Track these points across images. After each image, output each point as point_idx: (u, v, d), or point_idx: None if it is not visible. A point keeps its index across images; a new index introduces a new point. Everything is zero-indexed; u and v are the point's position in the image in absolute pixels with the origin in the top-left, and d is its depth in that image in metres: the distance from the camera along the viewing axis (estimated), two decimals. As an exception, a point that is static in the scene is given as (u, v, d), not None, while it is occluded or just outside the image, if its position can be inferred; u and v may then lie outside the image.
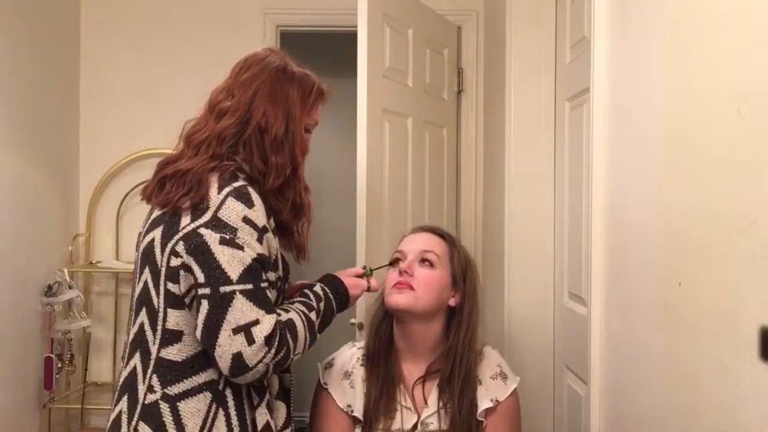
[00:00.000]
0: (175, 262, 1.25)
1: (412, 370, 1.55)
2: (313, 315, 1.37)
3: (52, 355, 2.61)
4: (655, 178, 1.32)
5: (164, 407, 1.25)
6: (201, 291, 1.22)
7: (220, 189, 1.26)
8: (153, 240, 1.30)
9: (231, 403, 1.28)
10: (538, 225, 2.28)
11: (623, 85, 1.52)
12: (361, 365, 1.56)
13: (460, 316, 1.54)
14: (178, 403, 1.25)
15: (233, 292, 1.21)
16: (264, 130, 1.33)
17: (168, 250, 1.26)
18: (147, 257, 1.31)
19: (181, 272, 1.25)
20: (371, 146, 2.22)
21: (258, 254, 1.25)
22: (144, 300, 1.30)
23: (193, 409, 1.25)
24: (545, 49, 2.27)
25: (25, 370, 2.54)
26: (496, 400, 1.53)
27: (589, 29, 1.71)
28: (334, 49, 3.39)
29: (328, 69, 4.09)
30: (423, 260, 1.54)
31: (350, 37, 2.26)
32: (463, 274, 1.56)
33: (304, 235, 1.44)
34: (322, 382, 1.57)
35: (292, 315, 1.32)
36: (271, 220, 1.33)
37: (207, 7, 3.00)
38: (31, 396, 2.59)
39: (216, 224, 1.23)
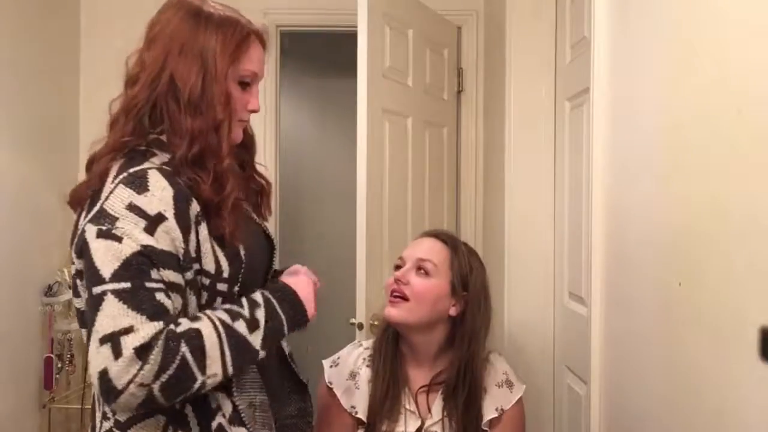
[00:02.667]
0: (73, 271, 1.09)
1: (416, 375, 1.53)
2: (240, 326, 1.08)
3: (52, 355, 2.61)
4: (655, 178, 1.32)
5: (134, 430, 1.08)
6: (85, 295, 1.04)
7: (116, 176, 1.07)
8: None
9: (194, 422, 1.10)
10: (538, 225, 2.28)
11: (623, 85, 1.52)
12: (367, 366, 1.53)
13: (463, 326, 1.50)
14: (132, 429, 1.08)
15: (104, 293, 0.99)
16: (176, 90, 1.11)
17: (72, 258, 1.10)
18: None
19: (78, 282, 1.08)
20: (371, 146, 2.22)
21: (143, 246, 1.00)
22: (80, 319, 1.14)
23: None
24: (545, 49, 2.27)
25: (25, 370, 2.53)
26: (501, 410, 1.50)
27: (589, 29, 1.71)
28: (334, 49, 3.39)
29: (328, 69, 4.15)
30: (419, 268, 1.49)
31: (350, 37, 2.26)
32: (464, 281, 1.50)
33: (230, 216, 1.12)
34: (326, 381, 1.54)
35: (200, 324, 1.04)
36: (193, 207, 1.08)
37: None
38: (31, 396, 2.59)
39: (98, 216, 1.03)
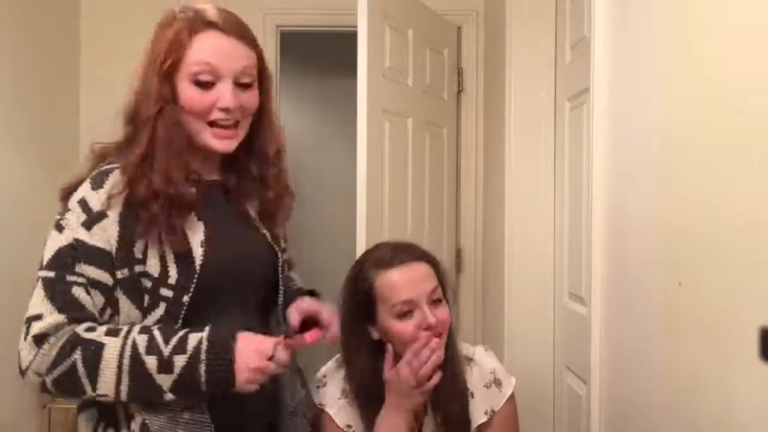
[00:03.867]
0: None
1: None
2: (150, 361, 1.02)
3: (52, 355, 2.61)
4: (655, 178, 1.32)
5: (79, 418, 1.15)
6: None
7: (91, 172, 1.12)
8: None
9: (123, 422, 1.08)
10: (538, 225, 2.28)
11: (623, 85, 1.52)
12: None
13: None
14: (78, 416, 1.14)
15: (38, 279, 1.06)
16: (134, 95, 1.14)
17: None
18: None
19: None
20: (371, 146, 2.22)
21: (75, 240, 1.05)
22: None
23: (83, 426, 1.13)
24: (545, 49, 2.27)
25: (25, 370, 2.54)
26: (492, 411, 1.42)
27: (589, 29, 1.71)
28: (334, 49, 3.39)
29: (328, 69, 4.15)
30: (432, 301, 1.36)
31: (350, 37, 2.26)
32: (448, 283, 1.44)
33: (153, 216, 1.07)
34: (317, 403, 1.42)
35: (109, 341, 1.03)
36: (153, 207, 1.07)
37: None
38: (31, 396, 2.59)
39: (63, 207, 1.10)
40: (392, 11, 2.39)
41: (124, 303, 1.07)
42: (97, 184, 1.08)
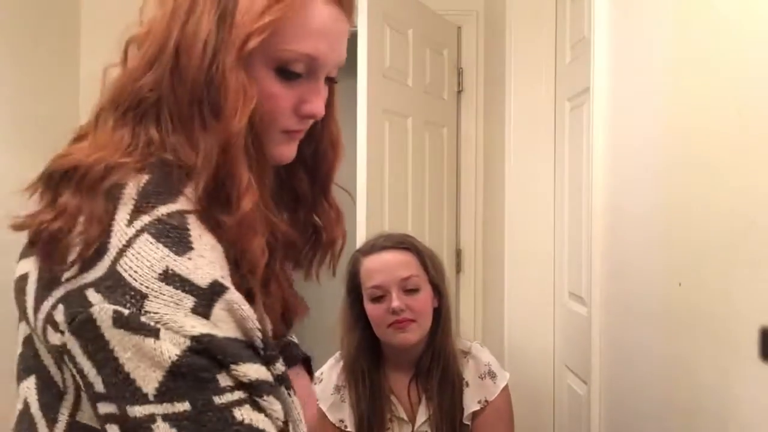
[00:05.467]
0: (54, 338, 0.65)
1: (401, 380, 1.51)
2: None
3: (52, 355, 2.60)
4: (655, 178, 1.32)
5: None
6: (102, 408, 0.64)
7: (133, 217, 0.64)
8: (26, 277, 0.72)
9: None
10: (538, 225, 2.28)
11: (623, 85, 1.52)
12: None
13: (439, 314, 1.49)
14: None
15: (151, 419, 0.61)
16: (179, 68, 0.68)
17: (43, 313, 0.66)
18: (19, 300, 0.72)
19: (66, 359, 0.65)
20: (371, 146, 2.22)
21: (195, 339, 0.61)
22: (33, 366, 0.72)
23: None
24: (545, 49, 2.27)
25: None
26: (485, 401, 1.48)
27: (589, 29, 1.71)
28: (334, 49, 3.38)
29: (328, 69, 4.14)
30: (406, 288, 1.44)
31: (350, 37, 2.25)
32: (437, 274, 1.50)
33: (255, 272, 0.68)
34: None
35: None
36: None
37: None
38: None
39: (112, 285, 0.62)
40: (392, 11, 2.39)
41: (296, 405, 0.69)
42: (178, 243, 0.63)
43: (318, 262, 0.86)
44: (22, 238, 0.79)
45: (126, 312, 0.61)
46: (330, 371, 1.54)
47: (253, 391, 0.63)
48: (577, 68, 2.00)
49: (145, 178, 0.66)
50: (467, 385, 1.49)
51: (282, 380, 0.67)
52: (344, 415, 1.49)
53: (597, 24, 1.63)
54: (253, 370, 0.63)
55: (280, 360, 0.67)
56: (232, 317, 0.64)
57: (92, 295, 0.62)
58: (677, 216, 1.21)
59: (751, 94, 0.96)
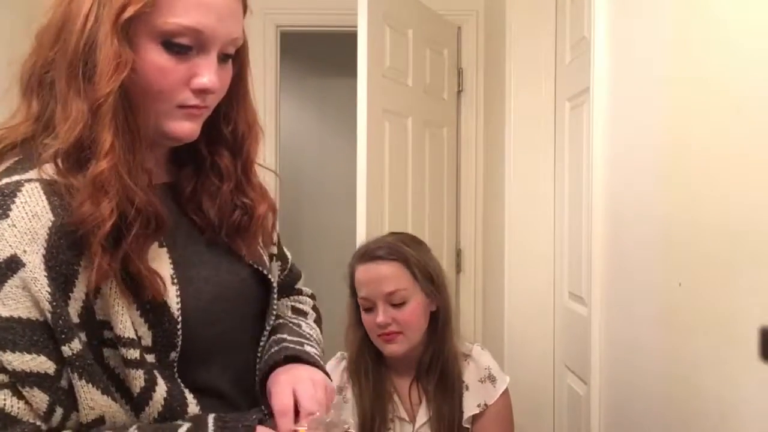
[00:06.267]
0: None
1: (402, 380, 1.52)
2: None
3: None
4: (654, 177, 1.32)
5: None
6: None
7: None
8: None
9: None
10: (538, 225, 2.28)
11: (623, 85, 1.52)
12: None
13: (436, 318, 1.49)
14: None
15: None
16: (63, 40, 0.72)
17: None
18: None
19: None
20: (371, 146, 2.22)
21: None
22: None
23: None
24: (545, 49, 2.27)
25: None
26: (485, 405, 1.48)
27: (589, 29, 1.71)
28: (334, 49, 3.39)
29: (328, 69, 4.15)
30: (392, 303, 1.43)
31: (350, 37, 2.26)
32: (431, 281, 1.48)
33: (105, 253, 0.69)
34: None
35: None
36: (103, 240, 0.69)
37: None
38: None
39: None
40: (392, 11, 2.39)
41: (84, 391, 0.70)
42: None
43: (252, 236, 0.88)
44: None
45: None
46: (332, 372, 1.52)
47: (17, 379, 0.66)
48: (577, 68, 2.00)
49: (14, 158, 0.73)
50: (467, 388, 1.49)
51: (73, 362, 0.68)
52: (346, 415, 1.48)
53: (597, 24, 1.63)
54: (20, 361, 0.66)
55: (76, 340, 0.68)
56: (26, 294, 0.66)
57: None
58: (677, 216, 1.21)
59: (751, 93, 0.96)
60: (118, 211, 0.70)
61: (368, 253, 1.48)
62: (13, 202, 0.67)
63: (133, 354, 0.72)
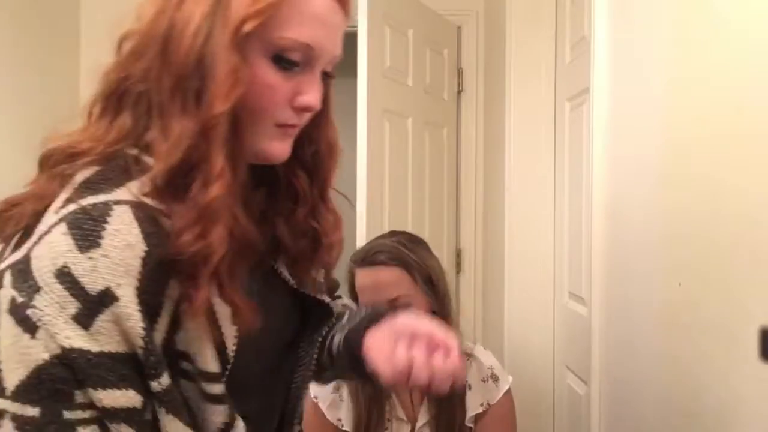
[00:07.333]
0: None
1: None
2: None
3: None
4: (654, 177, 1.32)
5: None
6: None
7: (64, 204, 0.64)
8: None
9: None
10: (538, 225, 2.28)
11: (623, 85, 1.52)
12: None
13: (438, 313, 1.47)
14: None
15: (2, 413, 0.61)
16: (168, 57, 0.67)
17: None
18: None
19: None
20: (371, 146, 2.22)
21: (65, 350, 0.60)
22: None
23: None
24: (545, 49, 2.27)
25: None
26: (488, 404, 1.49)
27: (589, 29, 1.71)
28: (334, 49, 3.38)
29: (328, 69, 4.14)
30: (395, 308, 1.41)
31: (350, 37, 2.25)
32: (431, 281, 1.47)
33: (209, 285, 0.65)
34: (311, 395, 1.51)
35: None
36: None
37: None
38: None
39: (22, 270, 0.62)
40: (392, 11, 2.39)
41: (170, 425, 0.67)
42: (87, 239, 0.61)
43: (315, 266, 0.84)
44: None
45: (19, 300, 0.60)
46: None
47: (106, 416, 0.62)
48: (577, 68, 2.00)
49: (95, 168, 0.66)
50: (470, 387, 1.50)
51: (161, 397, 0.65)
52: (342, 413, 1.49)
53: (597, 24, 1.63)
54: (111, 398, 0.62)
55: (165, 374, 0.65)
56: (117, 330, 0.62)
57: (6, 277, 0.62)
58: (677, 216, 1.21)
59: (751, 93, 0.96)
60: (228, 239, 0.66)
61: (368, 258, 1.45)
62: (104, 229, 0.61)
63: (217, 389, 0.68)
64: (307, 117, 0.75)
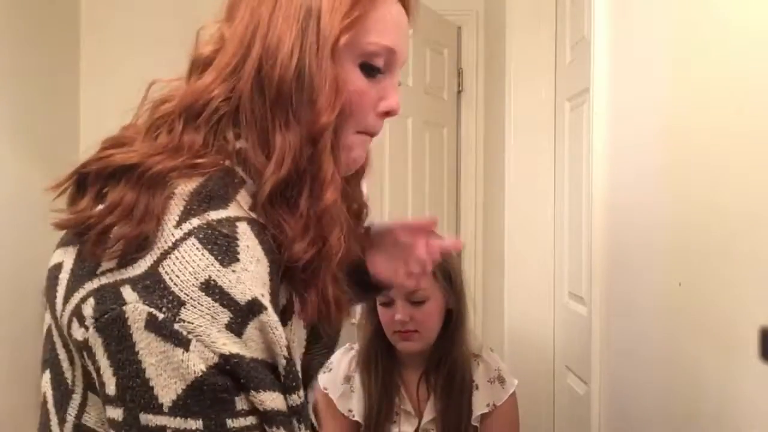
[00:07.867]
0: (77, 332, 0.62)
1: (411, 374, 1.53)
2: None
3: (52, 356, 2.59)
4: (655, 177, 1.32)
5: None
6: (110, 411, 0.62)
7: (183, 218, 0.63)
8: (60, 266, 0.68)
9: None
10: (538, 225, 2.28)
11: (623, 85, 1.52)
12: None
13: (450, 317, 1.50)
14: None
15: (161, 430, 0.60)
16: (261, 76, 0.69)
17: (71, 305, 0.63)
18: (49, 290, 0.69)
19: (85, 355, 0.63)
20: (371, 146, 2.22)
21: (224, 357, 0.60)
22: (50, 360, 0.70)
23: None
24: (545, 49, 2.27)
25: (24, 369, 2.53)
26: (493, 405, 1.50)
27: (589, 29, 1.71)
28: (334, 49, 3.39)
29: (328, 69, 4.15)
30: (413, 301, 1.45)
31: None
32: (450, 282, 1.50)
33: (326, 291, 0.70)
34: (321, 386, 1.53)
35: None
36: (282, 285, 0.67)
37: (209, 7, 2.99)
38: (31, 396, 2.59)
39: (150, 286, 0.61)
40: (392, 11, 2.39)
41: None
42: (225, 253, 0.62)
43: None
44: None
45: (161, 316, 0.59)
46: (340, 361, 1.56)
47: (266, 420, 0.63)
48: (577, 68, 2.00)
49: (200, 180, 0.66)
50: (477, 387, 1.51)
51: (296, 411, 0.65)
52: (352, 404, 1.51)
53: (597, 24, 1.63)
54: (270, 399, 0.63)
55: (300, 391, 0.66)
56: (263, 338, 0.63)
57: (128, 293, 0.61)
58: (677, 216, 1.21)
59: (751, 93, 0.96)
60: (343, 239, 0.69)
61: None
62: (237, 245, 0.63)
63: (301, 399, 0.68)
64: (383, 122, 0.79)
